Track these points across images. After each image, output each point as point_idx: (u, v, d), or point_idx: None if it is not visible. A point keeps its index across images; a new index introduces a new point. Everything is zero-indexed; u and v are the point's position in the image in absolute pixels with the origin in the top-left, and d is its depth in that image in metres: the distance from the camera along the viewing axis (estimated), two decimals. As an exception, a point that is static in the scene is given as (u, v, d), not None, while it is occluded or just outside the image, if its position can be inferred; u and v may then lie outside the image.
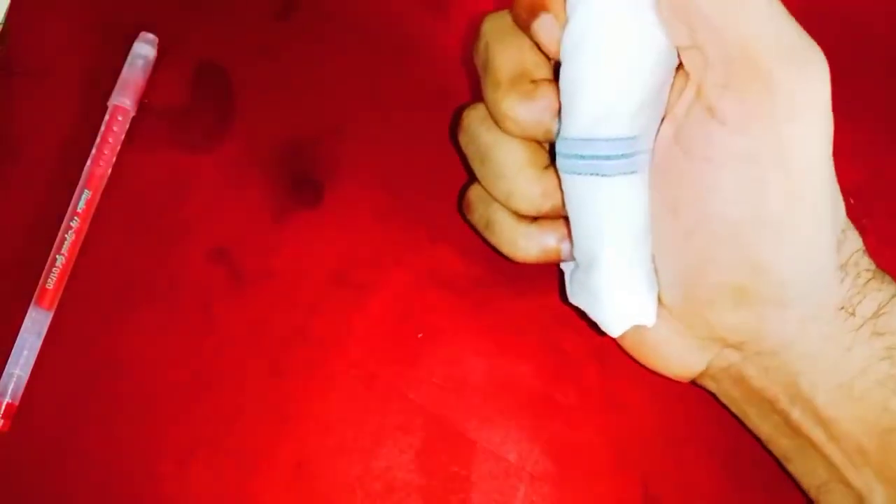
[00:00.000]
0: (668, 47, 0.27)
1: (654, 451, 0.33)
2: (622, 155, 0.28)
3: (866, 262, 0.29)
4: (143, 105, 0.36)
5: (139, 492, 0.32)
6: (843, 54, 0.37)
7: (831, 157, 0.27)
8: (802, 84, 0.26)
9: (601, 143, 0.28)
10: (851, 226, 0.29)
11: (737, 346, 0.29)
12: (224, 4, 0.37)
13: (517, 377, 0.34)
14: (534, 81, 0.29)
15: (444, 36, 0.37)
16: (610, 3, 0.27)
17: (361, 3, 0.38)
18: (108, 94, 0.35)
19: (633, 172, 0.28)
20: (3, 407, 0.33)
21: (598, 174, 0.28)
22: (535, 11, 0.28)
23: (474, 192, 0.32)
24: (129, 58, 0.36)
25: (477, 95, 0.31)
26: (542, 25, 0.28)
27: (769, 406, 0.30)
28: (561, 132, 0.28)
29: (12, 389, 0.33)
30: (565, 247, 0.31)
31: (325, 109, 0.36)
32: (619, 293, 0.29)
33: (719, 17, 0.26)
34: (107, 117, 0.35)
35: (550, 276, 0.34)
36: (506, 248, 0.31)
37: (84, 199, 0.34)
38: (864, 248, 0.29)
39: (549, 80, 0.29)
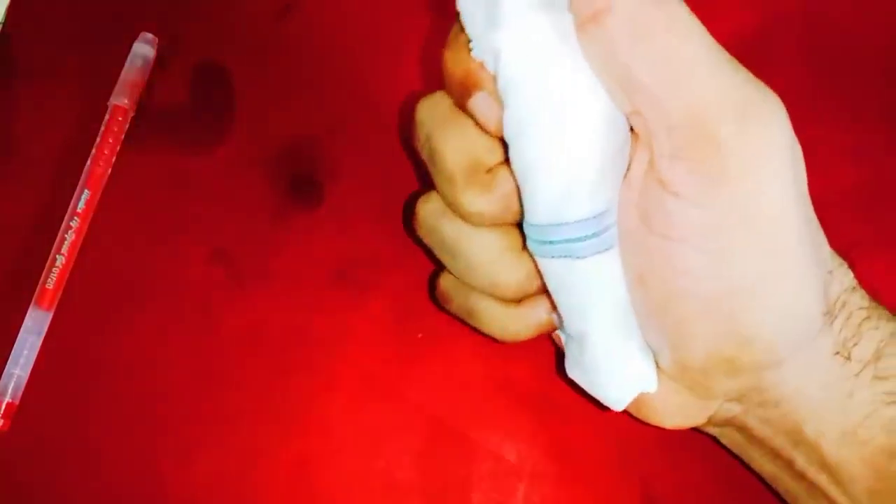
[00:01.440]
0: (619, 113, 0.25)
1: (654, 452, 0.33)
2: (593, 234, 0.26)
3: (858, 300, 0.27)
4: (142, 105, 0.36)
5: (139, 491, 0.33)
6: (844, 55, 0.37)
7: (805, 201, 0.25)
8: (751, 138, 0.24)
9: (569, 227, 0.26)
10: (839, 261, 0.27)
11: (737, 400, 0.28)
12: (224, 4, 0.37)
13: (517, 377, 0.34)
14: (489, 170, 0.27)
15: (443, 36, 0.37)
16: (542, 87, 0.25)
17: (361, 4, 0.38)
18: (108, 94, 0.35)
19: (607, 249, 0.27)
20: (3, 406, 0.33)
21: (571, 257, 0.26)
22: (468, 90, 0.26)
23: (447, 282, 0.31)
24: (129, 58, 0.36)
25: (425, 181, 0.29)
26: (478, 105, 0.26)
27: (772, 452, 0.29)
28: (525, 217, 0.27)
29: (12, 389, 0.33)
30: (556, 317, 0.29)
31: (325, 109, 0.36)
32: (614, 369, 0.28)
33: (657, 84, 0.23)
34: (107, 117, 0.35)
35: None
36: (497, 334, 0.30)
37: (84, 200, 0.34)
38: (854, 283, 0.27)
39: (503, 163, 0.27)
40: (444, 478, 0.33)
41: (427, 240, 0.30)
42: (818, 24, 0.38)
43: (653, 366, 0.28)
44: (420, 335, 0.34)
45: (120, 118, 0.35)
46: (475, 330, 0.31)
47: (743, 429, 0.29)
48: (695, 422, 0.29)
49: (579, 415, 0.34)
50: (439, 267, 0.31)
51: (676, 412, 0.29)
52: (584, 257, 0.26)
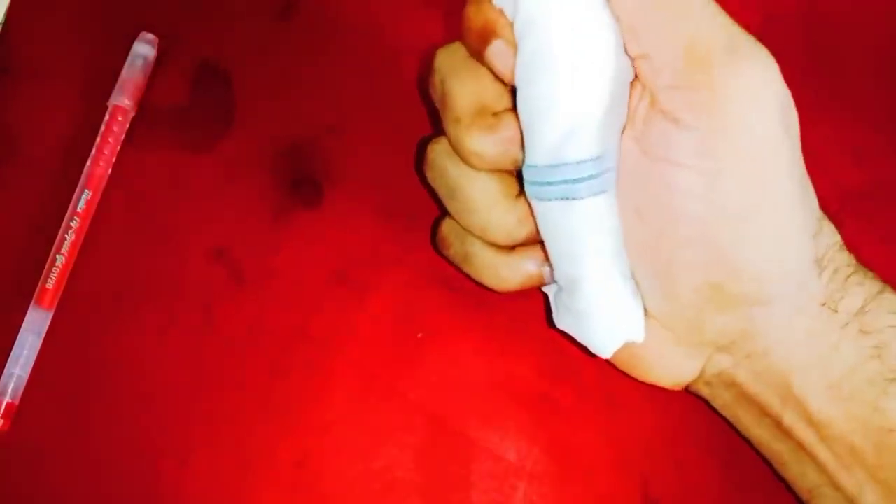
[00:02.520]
0: (623, 59, 0.27)
1: (654, 451, 0.33)
2: (590, 176, 0.27)
3: (845, 258, 0.28)
4: (143, 105, 0.36)
5: (139, 491, 0.33)
6: (844, 55, 0.37)
7: (795, 149, 0.27)
8: (745, 69, 0.26)
9: (568, 167, 0.27)
10: (827, 219, 0.29)
11: (727, 349, 0.29)
12: (224, 4, 0.37)
13: (517, 377, 0.34)
14: (495, 114, 0.29)
15: (443, 36, 0.37)
16: (559, 23, 0.26)
17: (361, 3, 0.38)
18: (108, 94, 0.35)
19: (603, 191, 0.28)
20: (3, 406, 0.33)
21: (568, 198, 0.28)
22: (486, 39, 0.28)
23: (447, 227, 0.32)
24: (129, 58, 0.36)
25: (437, 128, 0.30)
26: (495, 52, 0.27)
27: (761, 410, 0.30)
28: (526, 160, 0.28)
29: (12, 389, 0.33)
30: (546, 271, 0.30)
31: (325, 109, 0.36)
32: (605, 313, 0.29)
33: (661, 23, 0.26)
34: (107, 117, 0.35)
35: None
36: (487, 280, 0.31)
37: (84, 199, 0.34)
38: (841, 242, 0.29)
39: (510, 110, 0.29)
40: (443, 477, 0.33)
41: (433, 181, 0.31)
42: (818, 24, 0.38)
43: (642, 316, 0.29)
44: (420, 335, 0.34)
45: (120, 118, 0.35)
46: (469, 277, 0.32)
47: (732, 385, 0.30)
48: (686, 377, 0.31)
49: (579, 415, 0.34)
50: (443, 212, 0.32)
51: (667, 365, 0.30)
52: (582, 198, 0.27)
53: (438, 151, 0.31)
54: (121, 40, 0.36)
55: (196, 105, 0.36)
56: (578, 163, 0.27)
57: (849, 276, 0.28)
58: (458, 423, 0.34)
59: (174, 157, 0.36)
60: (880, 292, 0.28)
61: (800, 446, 0.29)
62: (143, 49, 0.36)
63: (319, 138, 0.36)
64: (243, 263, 0.35)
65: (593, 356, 0.30)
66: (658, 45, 0.26)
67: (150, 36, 0.36)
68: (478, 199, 0.30)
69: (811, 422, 0.28)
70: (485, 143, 0.28)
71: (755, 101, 0.26)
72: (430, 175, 0.31)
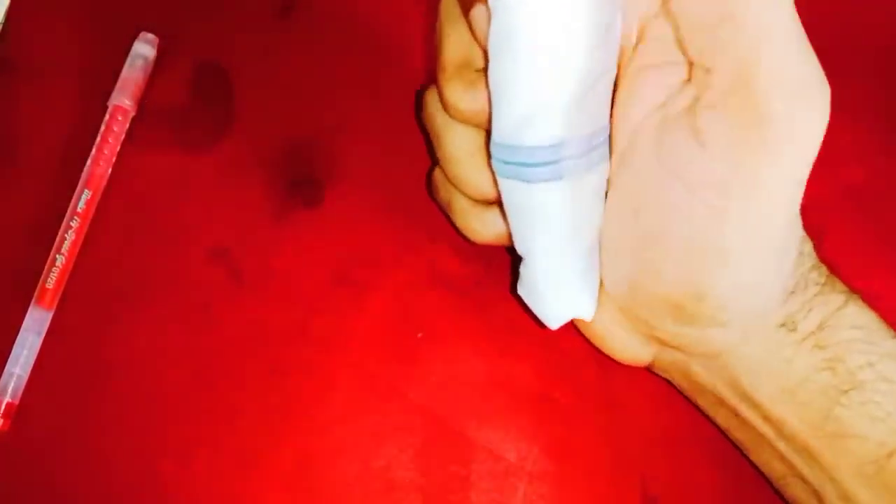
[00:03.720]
0: (600, 52, 0.26)
1: (653, 451, 0.33)
2: (545, 163, 0.27)
3: (815, 277, 0.28)
4: (143, 105, 0.36)
5: (139, 491, 0.33)
6: (843, 54, 0.37)
7: (800, 195, 0.27)
8: (796, 124, 0.25)
9: (523, 151, 0.27)
10: (807, 241, 0.29)
11: (679, 348, 0.30)
12: (224, 4, 0.37)
13: (516, 377, 0.34)
14: (479, 70, 0.28)
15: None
16: (527, 6, 0.25)
17: (361, 3, 0.38)
18: (108, 94, 0.35)
19: (559, 178, 0.27)
20: (3, 406, 0.33)
21: (521, 180, 0.28)
22: (472, 1, 0.27)
23: (438, 173, 0.32)
24: (129, 58, 0.36)
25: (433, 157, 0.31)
26: (475, 16, 0.26)
27: (717, 400, 0.30)
28: (491, 134, 0.28)
29: (12, 389, 0.33)
30: None
31: (325, 109, 0.36)
32: (553, 290, 0.30)
33: (729, 43, 0.24)
34: (107, 117, 0.35)
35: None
36: (462, 229, 0.32)
37: (84, 199, 0.34)
38: (815, 260, 0.29)
39: None
40: (443, 477, 0.33)
41: (426, 126, 0.32)
42: (817, 24, 0.38)
43: (593, 296, 0.30)
44: (420, 335, 0.34)
45: (120, 118, 0.35)
46: (452, 225, 0.32)
47: (687, 375, 0.31)
48: (639, 358, 0.31)
49: (579, 415, 0.34)
50: (434, 160, 0.32)
51: (622, 345, 0.31)
52: (533, 182, 0.27)
53: (431, 97, 0.31)
54: (121, 40, 0.36)
55: (196, 105, 0.36)
56: (532, 148, 0.27)
57: (815, 296, 0.28)
58: (458, 423, 0.34)
59: (174, 156, 0.36)
60: (843, 306, 0.28)
61: (760, 436, 0.29)
62: (144, 49, 0.36)
63: (319, 138, 0.36)
64: (243, 263, 0.35)
65: (544, 327, 0.30)
66: (718, 63, 0.25)
67: (150, 36, 0.36)
68: (455, 150, 0.30)
69: (767, 419, 0.29)
70: (461, 98, 0.28)
71: (794, 155, 0.25)
72: (423, 118, 0.32)
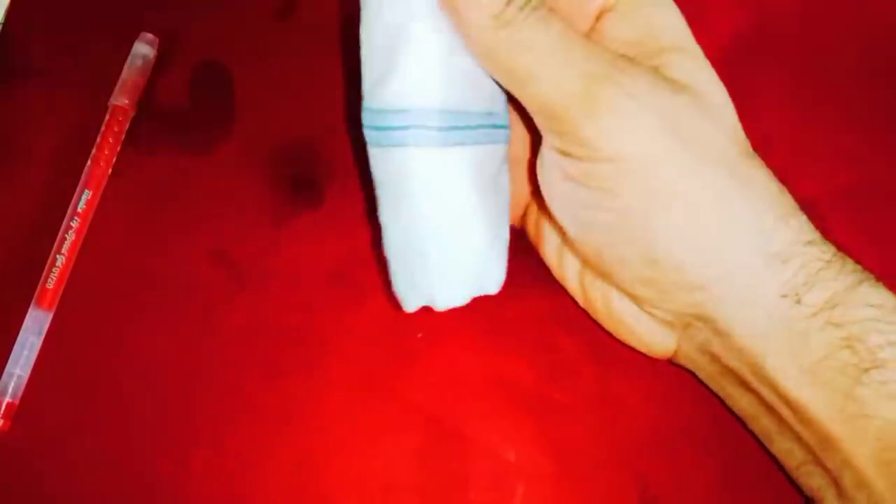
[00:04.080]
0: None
1: (652, 451, 0.33)
2: (393, 127, 0.28)
3: (817, 252, 0.28)
4: (142, 105, 0.36)
5: (139, 491, 0.33)
6: (841, 55, 0.37)
7: (709, 141, 0.28)
8: (606, 112, 0.27)
9: (377, 114, 0.28)
10: (798, 215, 0.29)
11: (692, 327, 0.30)
12: (224, 4, 0.37)
13: (515, 377, 0.34)
14: None
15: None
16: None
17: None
18: (108, 94, 0.35)
19: (403, 145, 0.28)
20: (4, 406, 0.33)
21: (374, 145, 0.29)
22: None
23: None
24: (129, 58, 0.36)
25: None
26: None
27: (743, 384, 0.30)
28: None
29: (12, 389, 0.33)
30: None
31: (325, 109, 0.36)
32: (398, 267, 0.30)
33: (513, 87, 0.27)
34: (107, 117, 0.35)
35: (550, 276, 0.34)
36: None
37: (84, 199, 0.34)
38: (816, 237, 0.29)
39: None
40: (442, 477, 0.33)
41: None
42: (816, 24, 0.38)
43: (449, 290, 0.30)
44: (420, 335, 0.34)
45: (120, 118, 0.35)
46: None
47: (712, 357, 0.31)
48: (666, 346, 0.32)
49: (579, 415, 0.34)
50: None
51: (647, 333, 0.32)
52: (382, 146, 0.28)
53: None
54: (121, 40, 0.36)
55: (196, 105, 0.36)
56: (381, 111, 0.28)
57: (819, 270, 0.28)
58: (457, 424, 0.34)
59: (174, 157, 0.36)
60: (857, 284, 0.28)
61: (783, 422, 0.29)
62: (144, 49, 0.36)
63: (319, 138, 0.36)
64: (243, 264, 0.35)
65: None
66: (522, 100, 0.28)
67: (150, 36, 0.36)
68: None
69: (788, 402, 0.29)
70: None
71: (626, 134, 0.27)
72: None
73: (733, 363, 0.30)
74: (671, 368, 0.33)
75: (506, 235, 0.31)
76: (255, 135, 0.36)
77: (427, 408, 0.34)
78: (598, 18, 0.30)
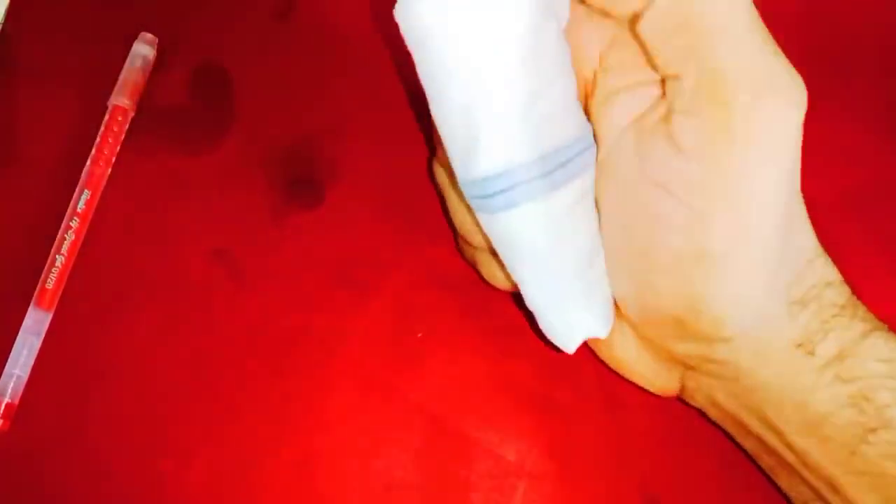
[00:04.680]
0: (533, 54, 0.25)
1: (653, 451, 0.33)
2: (498, 192, 0.27)
3: (833, 296, 0.27)
4: (142, 105, 0.36)
5: (139, 491, 0.33)
6: (843, 55, 0.37)
7: (792, 190, 0.26)
8: (764, 112, 0.25)
9: (477, 184, 0.27)
10: (823, 255, 0.28)
11: (698, 369, 0.29)
12: (224, 4, 0.37)
13: (516, 377, 0.34)
14: None
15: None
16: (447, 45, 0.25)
17: (361, 4, 0.38)
18: (107, 94, 0.35)
19: (514, 206, 0.27)
20: (3, 407, 0.33)
21: (486, 212, 0.28)
22: None
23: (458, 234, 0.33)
24: (129, 58, 0.36)
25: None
26: None
27: (745, 429, 0.30)
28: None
29: (12, 389, 0.33)
30: None
31: (325, 109, 0.36)
32: (552, 314, 0.29)
33: (688, 48, 0.25)
34: (106, 117, 0.35)
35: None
36: (490, 280, 0.32)
37: (84, 200, 0.34)
38: (833, 278, 0.28)
39: None
40: (443, 477, 0.33)
41: (437, 186, 0.33)
42: (817, 23, 0.38)
43: (602, 313, 0.30)
44: (420, 335, 0.34)
45: (120, 118, 0.35)
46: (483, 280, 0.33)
47: (714, 402, 0.30)
48: (668, 386, 0.31)
49: (579, 415, 0.34)
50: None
51: (647, 373, 0.31)
52: (495, 213, 0.27)
53: (437, 163, 0.32)
54: (121, 40, 0.36)
55: (196, 105, 0.36)
56: (482, 180, 0.27)
57: (833, 317, 0.27)
58: (458, 424, 0.34)
59: (174, 157, 0.36)
60: (867, 334, 0.27)
61: (787, 464, 0.29)
62: (143, 49, 0.36)
63: (319, 138, 0.36)
64: (243, 264, 0.35)
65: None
66: (684, 69, 0.26)
67: (149, 36, 0.36)
68: (456, 206, 0.31)
69: (791, 449, 0.28)
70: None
71: (766, 145, 0.25)
72: (432, 177, 0.33)
73: (734, 408, 0.29)
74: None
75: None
76: (255, 135, 0.36)
77: (428, 407, 0.34)
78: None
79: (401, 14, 0.26)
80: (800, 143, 0.26)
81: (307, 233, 0.35)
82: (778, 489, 0.31)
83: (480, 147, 0.26)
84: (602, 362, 0.33)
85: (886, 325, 0.27)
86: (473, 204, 0.28)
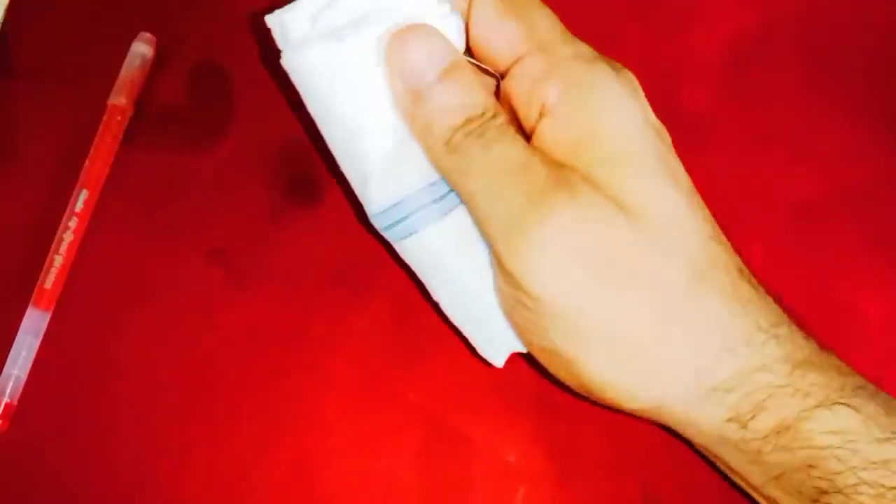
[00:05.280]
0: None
1: (653, 452, 0.33)
2: (397, 221, 0.29)
3: (769, 377, 0.27)
4: (141, 105, 0.36)
5: (139, 492, 0.32)
6: (843, 55, 0.37)
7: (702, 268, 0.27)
8: (530, 260, 0.27)
9: (379, 217, 0.30)
10: (758, 337, 0.27)
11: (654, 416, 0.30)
12: (224, 4, 0.37)
13: (517, 377, 0.34)
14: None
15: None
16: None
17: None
18: (106, 93, 0.35)
19: (414, 232, 0.29)
20: (2, 407, 0.32)
21: (394, 240, 0.30)
22: None
23: None
24: (128, 58, 0.36)
25: None
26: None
27: (726, 466, 0.30)
28: None
29: (11, 389, 0.33)
30: None
31: (324, 109, 0.36)
32: (472, 331, 0.32)
33: (462, 198, 0.28)
34: (105, 117, 0.35)
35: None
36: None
37: (82, 200, 0.34)
38: (775, 356, 0.27)
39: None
40: (443, 478, 0.33)
41: None
42: (818, 24, 0.38)
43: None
44: (420, 335, 0.34)
45: (118, 118, 0.35)
46: None
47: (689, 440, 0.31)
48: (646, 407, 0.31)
49: (579, 415, 0.34)
50: None
51: (628, 395, 0.30)
52: (399, 241, 0.30)
53: None
54: (120, 40, 0.36)
55: (195, 105, 0.36)
56: (382, 213, 0.29)
57: (768, 399, 0.27)
58: (458, 424, 0.34)
59: (173, 156, 0.36)
60: (814, 408, 0.27)
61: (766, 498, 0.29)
62: (142, 49, 0.36)
63: (319, 138, 0.36)
64: (242, 264, 0.35)
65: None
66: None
67: (148, 35, 0.36)
68: None
69: (761, 494, 0.29)
70: None
71: (548, 275, 0.27)
72: None
73: (710, 452, 0.30)
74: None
75: None
76: (255, 134, 0.36)
77: (428, 408, 0.34)
78: (538, 119, 0.28)
79: (286, 62, 0.29)
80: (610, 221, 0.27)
81: (306, 233, 0.35)
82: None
83: (372, 181, 0.29)
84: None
85: (843, 393, 0.27)
86: (387, 234, 0.30)
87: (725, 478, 0.31)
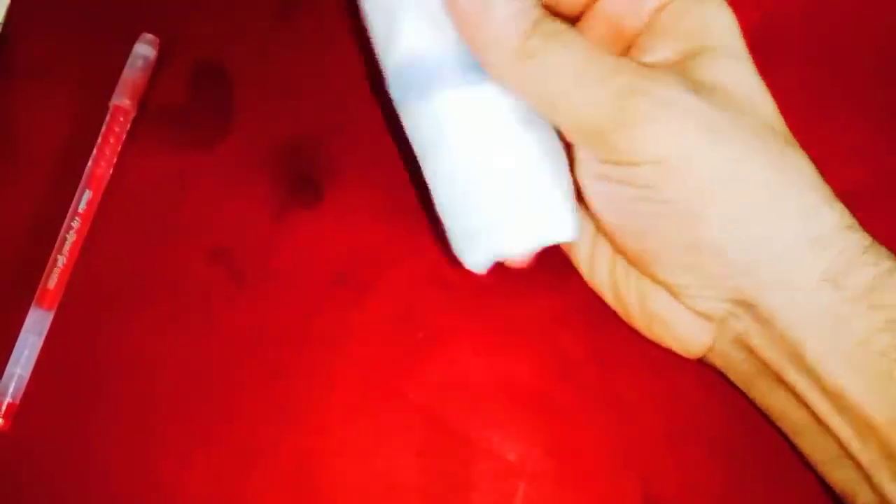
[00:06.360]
0: None
1: (654, 451, 0.33)
2: (409, 82, 0.29)
3: (858, 237, 0.28)
4: (143, 105, 0.36)
5: (139, 491, 0.33)
6: (844, 54, 0.37)
7: (748, 135, 0.28)
8: (640, 134, 0.27)
9: (394, 76, 0.29)
10: (835, 203, 0.29)
11: (732, 314, 0.30)
12: (224, 4, 0.37)
13: (517, 377, 0.34)
14: None
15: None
16: None
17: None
18: (108, 94, 0.35)
19: (427, 94, 0.28)
20: (4, 406, 0.33)
21: (403, 105, 0.30)
22: None
23: None
24: (130, 58, 0.36)
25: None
26: None
27: (776, 379, 0.30)
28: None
29: (13, 389, 0.33)
30: None
31: (325, 109, 0.36)
32: (455, 224, 0.31)
33: (546, 111, 0.28)
34: (107, 117, 0.35)
35: (550, 276, 0.34)
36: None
37: (85, 200, 0.34)
38: (851, 223, 0.29)
39: None
40: (444, 478, 0.33)
41: None
42: (819, 23, 0.38)
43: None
44: (420, 335, 0.34)
45: (121, 118, 0.35)
46: None
47: (749, 351, 0.30)
48: (701, 340, 0.32)
49: (579, 415, 0.34)
50: None
51: (683, 327, 0.31)
52: (411, 103, 0.29)
53: None
54: (121, 41, 0.36)
55: (196, 105, 0.36)
56: (400, 69, 0.29)
57: (858, 255, 0.28)
58: (458, 424, 0.34)
59: (175, 157, 0.36)
60: (892, 271, 0.28)
61: (815, 416, 0.29)
62: (144, 49, 0.36)
63: (319, 138, 0.36)
64: (243, 263, 0.35)
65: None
66: (554, 123, 0.29)
67: (150, 36, 0.36)
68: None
69: (826, 391, 0.29)
70: None
71: (664, 139, 0.27)
72: None
73: (770, 354, 0.30)
74: (674, 369, 0.33)
75: (568, 179, 0.31)
76: (256, 134, 0.36)
77: (428, 408, 0.34)
78: (654, 14, 0.30)
79: None
80: (705, 108, 0.28)
81: (307, 232, 0.35)
82: (779, 490, 0.31)
83: (400, 32, 0.28)
84: (603, 360, 0.33)
85: None
86: (394, 96, 0.29)
87: (730, 478, 0.31)
